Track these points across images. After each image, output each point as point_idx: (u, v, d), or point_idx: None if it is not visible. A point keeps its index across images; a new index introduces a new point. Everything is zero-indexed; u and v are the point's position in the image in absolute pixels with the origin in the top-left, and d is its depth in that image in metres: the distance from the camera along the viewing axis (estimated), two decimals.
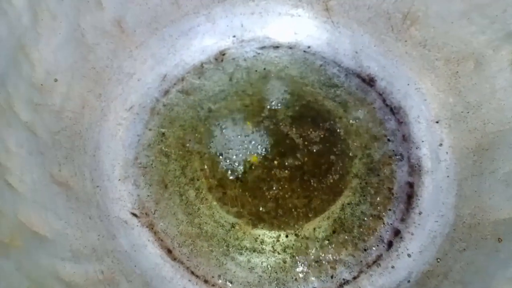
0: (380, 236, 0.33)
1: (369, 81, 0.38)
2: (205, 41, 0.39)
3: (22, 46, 0.29)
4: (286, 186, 0.34)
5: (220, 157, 0.35)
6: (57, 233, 0.27)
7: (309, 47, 0.39)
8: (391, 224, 0.33)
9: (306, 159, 0.35)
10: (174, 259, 0.32)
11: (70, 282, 0.25)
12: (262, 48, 0.39)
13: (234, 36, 0.39)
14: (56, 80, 0.31)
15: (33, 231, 0.26)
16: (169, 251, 0.32)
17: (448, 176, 0.34)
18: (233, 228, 0.33)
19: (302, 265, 0.32)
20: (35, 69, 0.30)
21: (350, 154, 0.35)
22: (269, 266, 0.32)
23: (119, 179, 0.34)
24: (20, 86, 0.29)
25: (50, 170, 0.30)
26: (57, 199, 0.29)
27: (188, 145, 0.35)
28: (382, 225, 0.33)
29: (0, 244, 0.23)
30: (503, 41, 0.33)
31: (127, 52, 0.36)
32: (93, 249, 0.29)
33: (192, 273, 0.32)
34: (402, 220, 0.33)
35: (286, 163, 0.35)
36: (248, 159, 0.35)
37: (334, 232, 0.33)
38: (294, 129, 0.36)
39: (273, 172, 0.34)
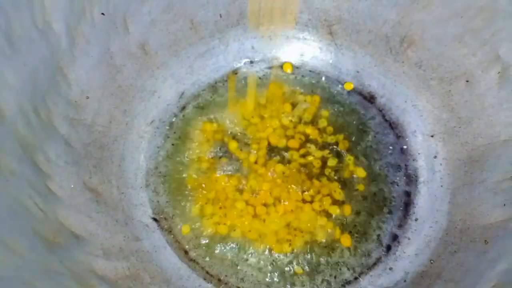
0: (380, 240, 0.35)
1: (370, 98, 0.41)
2: (219, 62, 0.42)
3: (60, 68, 0.32)
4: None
5: (232, 166, 0.38)
6: (90, 233, 0.30)
7: (314, 67, 0.42)
8: (389, 229, 0.36)
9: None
10: (191, 259, 0.35)
11: (103, 276, 0.28)
12: (271, 68, 0.42)
13: (245, 57, 0.42)
14: (88, 98, 0.35)
15: (71, 231, 0.29)
16: (186, 252, 0.35)
17: (442, 186, 0.36)
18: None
19: (308, 266, 0.34)
20: (71, 87, 0.33)
21: (353, 165, 0.38)
22: (277, 266, 0.34)
23: (141, 187, 0.37)
24: (58, 103, 0.32)
25: (83, 177, 0.33)
26: (89, 204, 0.32)
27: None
28: (382, 231, 0.36)
29: (47, 241, 0.26)
30: (491, 62, 0.35)
31: (149, 72, 0.39)
32: (120, 248, 0.32)
33: (207, 272, 0.34)
34: (400, 226, 0.36)
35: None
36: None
37: (337, 236, 0.35)
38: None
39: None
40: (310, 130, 0.39)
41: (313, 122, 0.40)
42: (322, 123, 0.40)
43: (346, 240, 0.35)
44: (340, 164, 0.38)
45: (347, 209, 0.36)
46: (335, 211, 0.36)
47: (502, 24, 0.34)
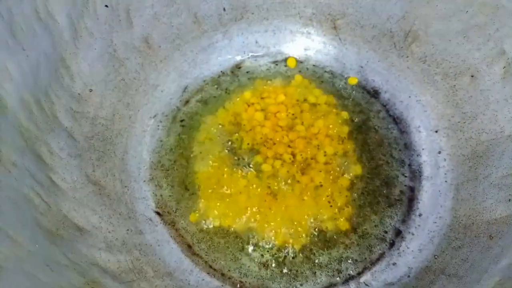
0: (383, 236, 0.35)
1: (374, 93, 0.41)
2: (222, 56, 0.42)
3: (63, 60, 0.32)
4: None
5: (235, 158, 0.38)
6: (93, 226, 0.30)
7: (318, 61, 0.42)
8: (393, 225, 0.36)
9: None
10: (194, 254, 0.34)
11: (106, 268, 0.28)
12: (275, 62, 0.42)
13: (249, 51, 0.42)
14: (91, 90, 0.35)
15: (74, 223, 0.29)
16: (189, 247, 0.35)
17: (446, 181, 0.36)
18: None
19: (311, 261, 0.34)
20: (74, 80, 0.33)
21: (356, 160, 0.38)
22: (280, 261, 0.34)
23: (144, 181, 0.37)
24: (61, 96, 0.32)
25: (86, 170, 0.33)
26: (92, 197, 0.32)
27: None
28: (385, 226, 0.36)
29: (50, 233, 0.26)
30: (496, 57, 0.35)
31: (152, 66, 0.39)
32: (123, 241, 0.32)
33: (210, 266, 0.34)
34: (404, 221, 0.36)
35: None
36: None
37: (341, 231, 0.35)
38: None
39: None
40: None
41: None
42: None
43: (345, 224, 0.35)
44: (344, 159, 0.38)
45: (351, 205, 0.36)
46: (339, 205, 0.36)
47: (506, 20, 0.34)
